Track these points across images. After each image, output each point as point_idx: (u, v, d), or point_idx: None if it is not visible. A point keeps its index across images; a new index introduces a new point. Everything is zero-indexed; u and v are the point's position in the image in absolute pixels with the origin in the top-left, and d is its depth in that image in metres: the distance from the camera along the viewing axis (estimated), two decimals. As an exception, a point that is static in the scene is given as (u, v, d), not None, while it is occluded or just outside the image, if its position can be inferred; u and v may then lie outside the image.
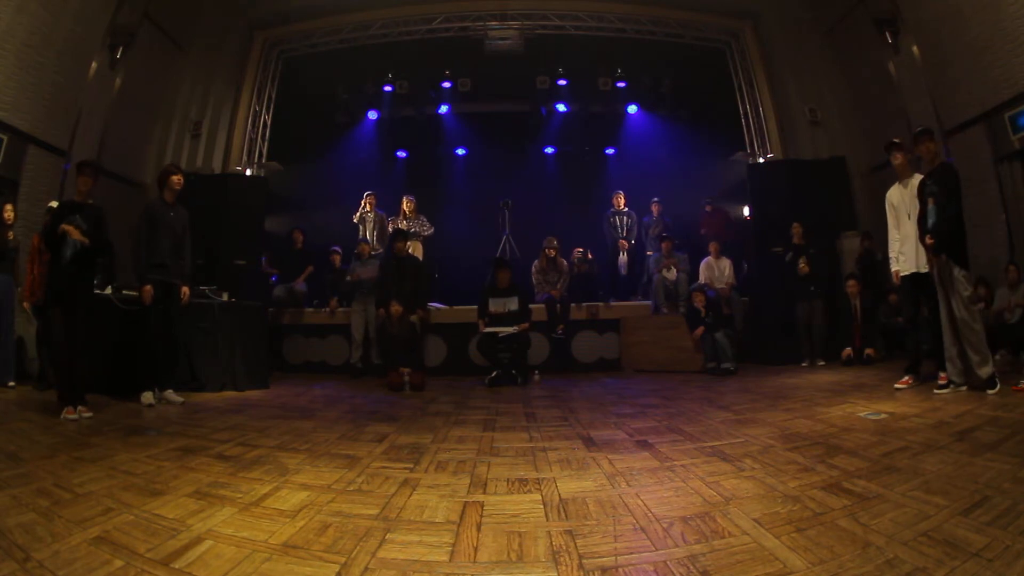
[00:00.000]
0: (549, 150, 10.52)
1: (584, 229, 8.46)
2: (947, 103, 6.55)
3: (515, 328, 5.91)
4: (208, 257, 6.66)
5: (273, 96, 8.89)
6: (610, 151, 10.51)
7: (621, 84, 9.66)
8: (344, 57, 8.96)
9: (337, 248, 7.79)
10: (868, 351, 6.19)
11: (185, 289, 4.55)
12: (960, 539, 1.40)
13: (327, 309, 7.36)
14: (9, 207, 5.29)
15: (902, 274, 4.24)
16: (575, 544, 1.49)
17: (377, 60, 9.24)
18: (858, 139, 8.16)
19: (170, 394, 4.35)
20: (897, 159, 4.27)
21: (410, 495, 1.95)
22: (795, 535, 1.48)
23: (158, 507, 1.81)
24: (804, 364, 6.51)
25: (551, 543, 1.50)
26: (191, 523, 1.67)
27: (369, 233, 7.78)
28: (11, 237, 5.23)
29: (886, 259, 4.56)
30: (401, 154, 10.43)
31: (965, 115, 6.30)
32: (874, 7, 7.13)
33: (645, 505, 1.78)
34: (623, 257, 8.15)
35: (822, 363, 6.44)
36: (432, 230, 7.85)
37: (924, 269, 4.04)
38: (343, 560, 1.42)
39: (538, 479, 2.13)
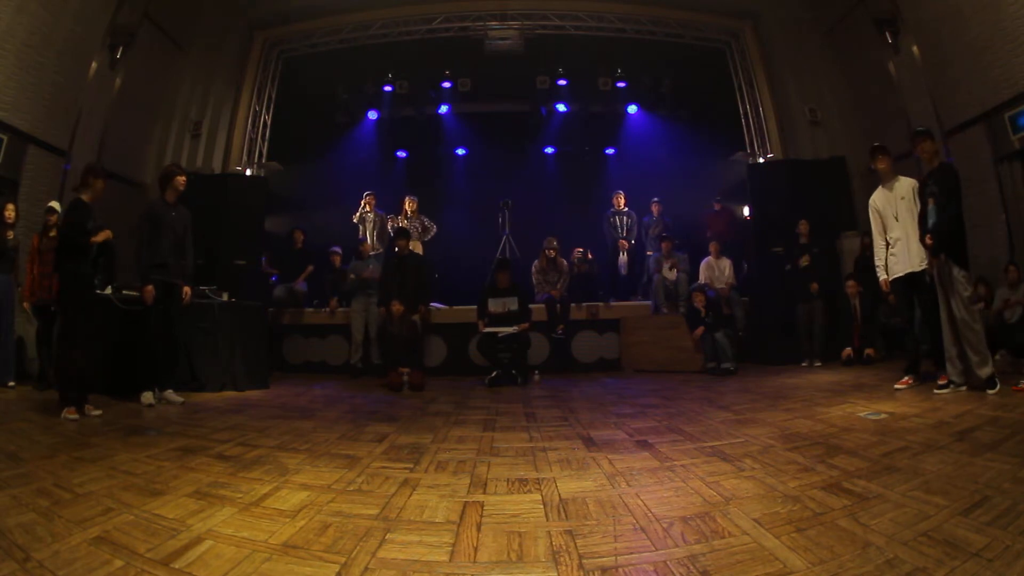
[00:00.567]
0: (549, 150, 10.52)
1: (584, 229, 8.46)
2: (947, 103, 6.55)
3: (515, 328, 5.92)
4: (208, 257, 6.66)
5: (273, 96, 8.89)
6: (610, 151, 10.50)
7: (621, 84, 9.66)
8: (344, 57, 8.96)
9: (337, 248, 7.79)
10: (868, 351, 6.19)
11: (187, 289, 4.55)
12: (960, 539, 1.40)
13: (327, 309, 7.36)
14: (11, 207, 5.29)
15: (895, 275, 4.22)
16: (575, 544, 1.49)
17: (377, 60, 9.23)
18: (858, 139, 8.14)
19: (170, 394, 4.35)
20: (882, 163, 4.26)
21: (410, 495, 1.95)
22: (795, 535, 1.48)
23: (158, 507, 1.81)
24: (804, 364, 6.51)
25: (551, 543, 1.50)
26: (191, 523, 1.67)
27: (369, 233, 7.77)
28: (11, 237, 5.23)
29: None
30: (401, 154, 10.43)
31: (965, 115, 6.30)
32: (874, 7, 7.13)
33: (645, 505, 1.78)
34: (623, 257, 8.15)
35: (819, 364, 6.44)
36: (435, 230, 7.84)
37: (919, 268, 4.03)
38: (343, 560, 1.42)
39: (538, 479, 2.13)
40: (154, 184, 6.79)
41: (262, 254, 7.97)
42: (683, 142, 9.42)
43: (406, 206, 7.78)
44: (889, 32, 7.06)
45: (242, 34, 8.74)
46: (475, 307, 6.24)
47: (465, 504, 1.84)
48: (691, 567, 1.34)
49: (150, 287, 4.28)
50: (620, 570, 1.34)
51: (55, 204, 5.39)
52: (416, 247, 7.42)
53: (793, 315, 6.78)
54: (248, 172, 8.51)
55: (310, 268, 7.75)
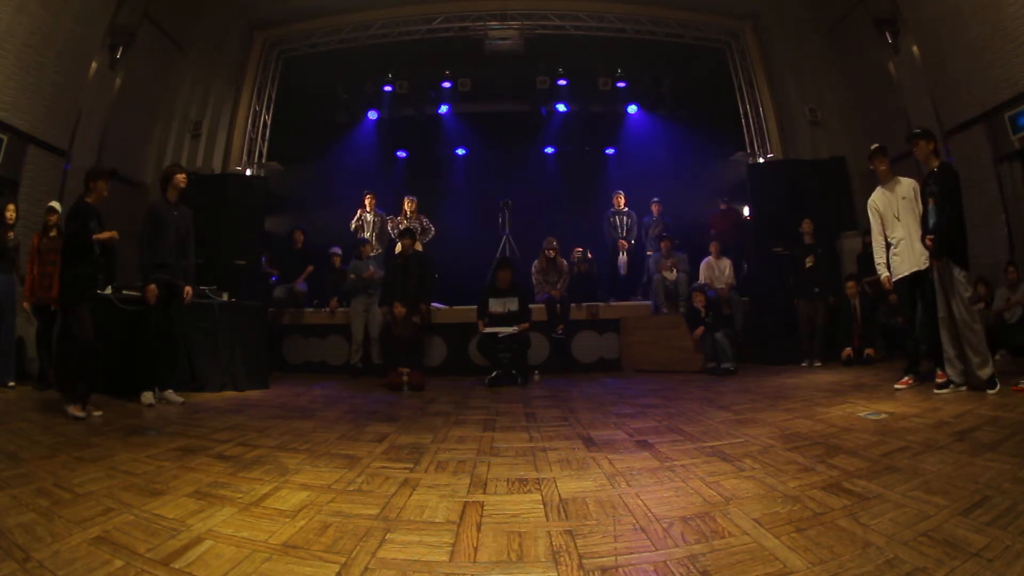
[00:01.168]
0: (549, 150, 10.52)
1: (584, 229, 8.46)
2: (947, 103, 6.55)
3: (515, 328, 5.92)
4: (208, 257, 6.66)
5: (273, 96, 8.89)
6: (610, 151, 10.51)
7: (621, 84, 9.66)
8: (344, 57, 8.96)
9: (337, 249, 7.79)
10: (868, 351, 6.19)
11: (188, 289, 4.55)
12: (960, 539, 1.40)
13: (327, 309, 7.36)
14: (11, 207, 5.29)
15: (900, 275, 4.22)
16: (575, 544, 1.49)
17: (377, 60, 9.23)
18: (858, 139, 8.14)
19: (170, 394, 4.35)
20: (882, 165, 4.26)
21: (410, 495, 1.95)
22: (795, 535, 1.48)
23: (158, 507, 1.82)
24: (804, 364, 6.51)
25: (551, 543, 1.50)
26: (191, 523, 1.67)
27: (369, 234, 7.77)
28: (11, 237, 5.23)
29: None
30: (401, 154, 10.43)
31: (965, 115, 6.30)
32: (874, 7, 7.12)
33: (645, 505, 1.78)
34: (623, 257, 8.15)
35: (819, 364, 6.43)
36: (433, 232, 7.85)
37: (924, 267, 4.03)
38: (343, 560, 1.42)
39: (538, 479, 2.13)
40: (155, 184, 6.80)
41: (262, 254, 7.97)
42: (683, 142, 9.43)
43: (406, 206, 7.78)
44: (889, 32, 7.06)
45: (242, 34, 8.74)
46: (475, 307, 6.24)
47: (465, 504, 1.84)
48: (691, 567, 1.34)
49: (152, 286, 4.29)
50: (620, 570, 1.34)
51: (55, 204, 5.39)
52: (416, 247, 7.42)
53: (793, 315, 6.77)
54: (248, 172, 8.51)
55: (310, 268, 7.75)
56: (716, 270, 7.42)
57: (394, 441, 2.92)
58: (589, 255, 7.65)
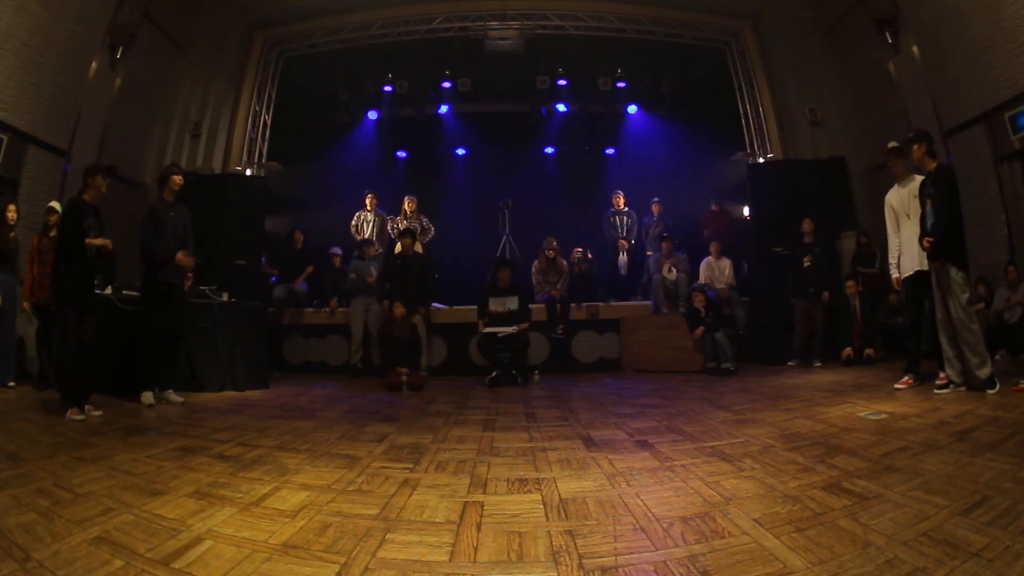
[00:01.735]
0: (549, 150, 10.51)
1: (584, 229, 8.46)
2: (947, 103, 6.55)
3: (515, 328, 5.91)
4: (208, 257, 6.66)
5: (273, 96, 8.88)
6: (610, 151, 10.50)
7: (621, 84, 9.66)
8: (344, 57, 8.96)
9: (337, 249, 7.79)
10: (868, 351, 6.19)
11: (189, 275, 4.55)
12: (960, 539, 1.40)
13: (327, 309, 7.37)
14: (12, 207, 5.29)
15: (905, 275, 4.23)
16: (575, 544, 1.49)
17: (377, 60, 9.23)
18: (858, 139, 8.15)
19: (170, 394, 4.35)
20: (899, 163, 4.26)
21: (410, 495, 1.95)
22: (795, 535, 1.48)
23: (158, 507, 1.82)
24: (791, 364, 6.49)
25: (551, 543, 1.50)
26: (191, 523, 1.67)
27: (370, 233, 7.77)
28: (12, 237, 5.23)
29: (884, 259, 4.55)
30: (401, 154, 10.43)
31: (965, 115, 6.30)
32: (874, 7, 7.12)
33: (645, 505, 1.78)
34: (623, 257, 8.15)
35: (818, 364, 6.42)
36: (433, 232, 7.85)
37: (925, 267, 4.04)
38: (343, 560, 1.42)
39: (538, 479, 2.13)
40: (154, 184, 6.80)
41: (262, 254, 7.97)
42: (683, 142, 9.42)
43: (406, 206, 7.78)
44: (889, 32, 7.06)
45: (242, 34, 8.74)
46: (475, 307, 6.24)
47: (465, 504, 1.84)
48: (691, 567, 1.34)
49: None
50: (620, 570, 1.34)
51: (55, 204, 5.38)
52: (415, 247, 7.42)
53: (791, 315, 6.76)
54: (248, 172, 8.51)
55: (310, 268, 7.76)
56: (716, 270, 7.42)
57: (394, 441, 2.92)
58: (589, 255, 7.65)
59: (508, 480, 2.13)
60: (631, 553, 1.43)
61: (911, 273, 4.16)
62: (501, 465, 2.36)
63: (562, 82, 9.65)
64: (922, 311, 4.18)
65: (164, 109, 8.36)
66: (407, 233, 6.54)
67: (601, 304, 7.43)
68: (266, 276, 7.88)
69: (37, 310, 5.18)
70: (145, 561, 1.41)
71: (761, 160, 8.52)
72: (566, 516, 1.71)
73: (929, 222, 3.91)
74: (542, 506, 1.81)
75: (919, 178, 4.21)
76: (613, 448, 2.63)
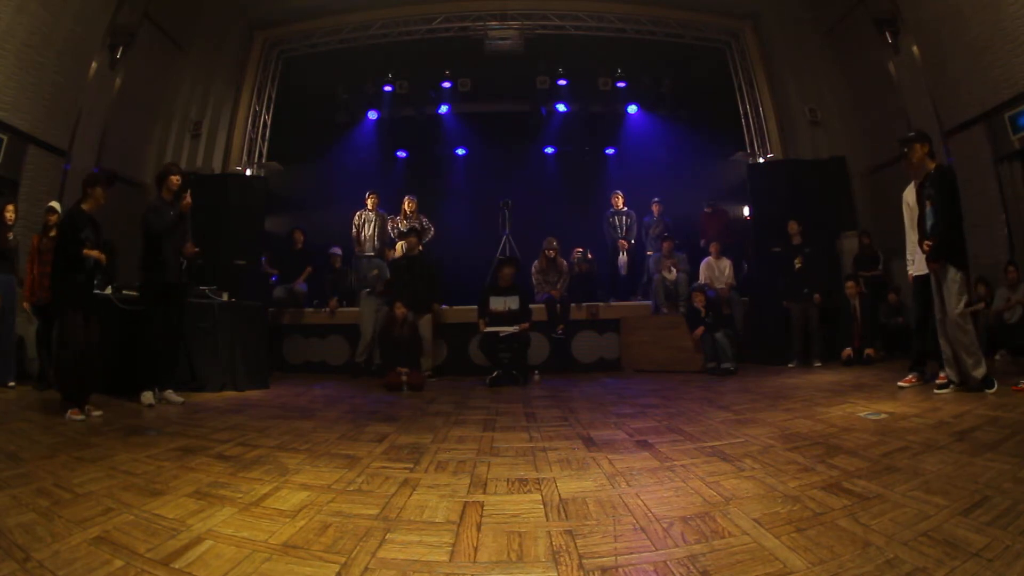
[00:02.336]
0: (549, 150, 10.51)
1: (584, 229, 8.46)
2: (947, 103, 6.55)
3: (516, 328, 5.91)
4: (208, 257, 6.66)
5: (273, 96, 8.88)
6: (610, 151, 10.50)
7: (621, 84, 9.65)
8: (344, 57, 8.96)
9: (337, 249, 7.80)
10: (868, 351, 6.19)
11: (192, 248, 4.53)
12: (960, 539, 1.40)
13: (327, 309, 7.36)
14: (11, 208, 5.29)
15: (915, 274, 4.21)
16: (575, 544, 1.49)
17: (377, 60, 9.23)
18: (858, 139, 8.16)
19: (170, 394, 4.35)
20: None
21: (410, 495, 1.95)
22: (795, 535, 1.48)
23: (158, 507, 1.81)
24: (790, 365, 6.48)
25: (551, 543, 1.50)
26: (191, 523, 1.67)
27: (370, 233, 7.77)
28: (11, 237, 5.23)
29: (887, 260, 4.51)
30: (401, 154, 10.43)
31: (965, 115, 6.30)
32: (874, 7, 7.13)
33: (645, 505, 1.78)
34: (623, 257, 8.15)
35: (819, 364, 6.42)
36: (432, 232, 7.85)
37: (927, 270, 4.02)
38: (343, 560, 1.42)
39: (538, 479, 2.13)
40: (154, 184, 6.80)
41: (262, 254, 7.97)
42: (683, 142, 9.42)
43: (405, 206, 7.78)
44: (889, 32, 7.06)
45: (242, 34, 8.74)
46: (475, 307, 6.23)
47: (465, 504, 1.84)
48: (691, 567, 1.34)
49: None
50: (620, 570, 1.34)
51: (55, 204, 5.39)
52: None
53: (787, 317, 6.75)
54: (248, 172, 8.50)
55: (310, 268, 7.75)
56: (716, 270, 7.42)
57: (394, 441, 2.92)
58: (589, 255, 7.64)
59: (508, 480, 2.13)
60: (631, 553, 1.43)
61: (923, 273, 4.13)
62: (501, 465, 2.36)
63: (562, 82, 9.65)
64: (930, 310, 4.15)
65: (164, 109, 8.36)
66: (412, 232, 6.52)
67: (601, 304, 7.43)
68: (266, 276, 7.88)
69: (37, 310, 5.18)
70: (145, 561, 1.41)
71: (761, 160, 8.52)
72: (566, 516, 1.71)
73: (929, 223, 3.90)
74: (542, 506, 1.81)
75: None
76: (613, 448, 2.63)
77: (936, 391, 3.81)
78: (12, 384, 5.03)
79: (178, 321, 4.57)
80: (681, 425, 3.15)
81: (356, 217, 7.73)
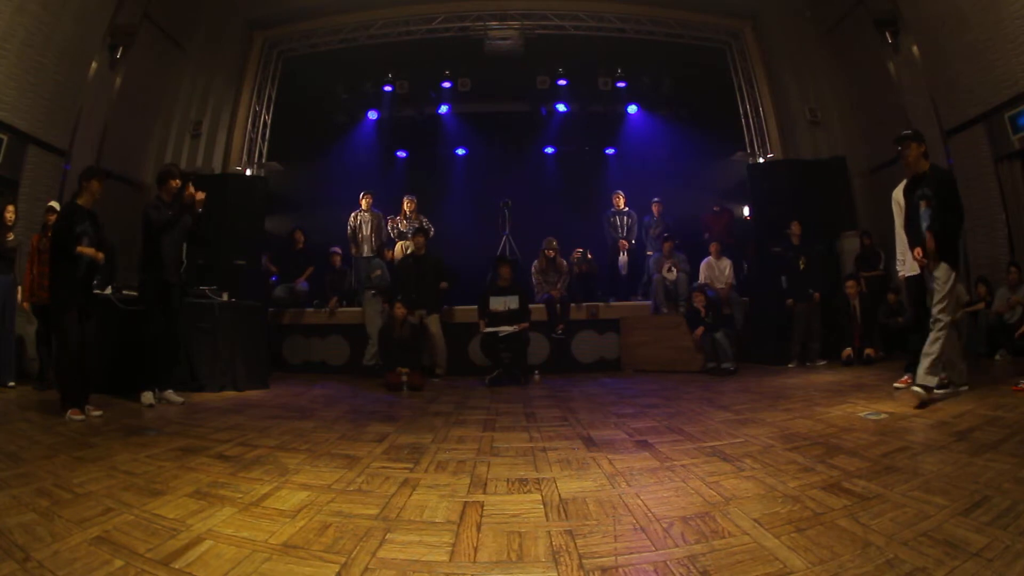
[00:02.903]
0: (549, 150, 10.51)
1: (584, 229, 8.45)
2: (947, 103, 6.55)
3: (515, 328, 5.91)
4: (208, 257, 6.65)
5: (273, 96, 8.87)
6: (610, 151, 10.50)
7: (621, 84, 9.64)
8: (344, 57, 8.95)
9: (337, 248, 7.79)
10: (868, 351, 6.19)
11: (193, 218, 4.49)
12: (960, 539, 1.40)
13: (327, 309, 7.36)
14: (11, 208, 5.29)
15: (907, 275, 4.19)
16: (575, 544, 1.49)
17: (377, 60, 9.22)
18: (858, 139, 8.16)
19: (170, 394, 4.35)
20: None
21: (410, 495, 1.95)
22: (795, 535, 1.48)
23: (158, 507, 1.82)
24: (791, 365, 6.47)
25: (551, 543, 1.50)
26: (191, 523, 1.67)
27: (367, 233, 7.76)
28: (11, 238, 5.23)
29: (888, 260, 4.45)
30: (401, 154, 10.42)
31: (965, 115, 6.30)
32: (874, 7, 7.13)
33: (645, 505, 1.78)
34: (623, 257, 8.14)
35: (823, 363, 6.41)
36: (432, 232, 7.84)
37: (918, 271, 3.99)
38: (343, 560, 1.42)
39: (538, 479, 2.13)
40: (154, 184, 6.80)
41: (263, 254, 7.96)
42: (683, 142, 9.42)
43: (405, 206, 7.78)
44: (889, 32, 7.06)
45: (242, 34, 8.74)
46: (475, 307, 6.23)
47: (465, 504, 1.84)
48: (691, 567, 1.34)
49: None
50: (620, 570, 1.34)
51: (55, 204, 5.38)
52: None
53: (790, 315, 6.74)
54: (248, 172, 8.50)
55: (310, 269, 7.75)
56: (716, 270, 7.42)
57: (394, 441, 2.92)
58: (589, 255, 7.64)
59: (508, 480, 2.13)
60: (631, 553, 1.43)
61: (916, 273, 4.11)
62: (501, 465, 2.36)
63: (562, 82, 9.64)
64: (925, 310, 4.13)
65: (164, 109, 8.36)
66: (420, 232, 6.51)
67: (601, 304, 7.42)
68: (266, 275, 7.88)
69: (37, 310, 5.18)
70: (145, 561, 1.41)
71: (761, 160, 8.52)
72: (566, 516, 1.71)
73: (923, 224, 3.83)
74: (542, 506, 1.81)
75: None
76: (613, 448, 2.63)
77: (936, 391, 3.79)
78: (12, 384, 5.03)
79: (178, 321, 4.56)
80: (681, 425, 3.15)
81: (352, 218, 7.72)
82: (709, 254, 7.50)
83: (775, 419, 3.20)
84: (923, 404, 3.33)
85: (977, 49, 5.91)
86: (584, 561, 1.39)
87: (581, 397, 4.72)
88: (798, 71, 8.55)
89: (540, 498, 1.89)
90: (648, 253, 8.23)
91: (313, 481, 2.14)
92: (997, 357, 5.85)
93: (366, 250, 7.56)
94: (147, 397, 4.19)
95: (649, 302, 7.56)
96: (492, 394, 5.10)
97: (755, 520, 1.60)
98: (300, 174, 9.74)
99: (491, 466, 2.34)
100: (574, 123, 10.15)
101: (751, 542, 1.46)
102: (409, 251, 6.87)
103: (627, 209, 8.25)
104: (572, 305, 7.09)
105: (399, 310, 5.68)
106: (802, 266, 6.70)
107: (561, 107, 10.00)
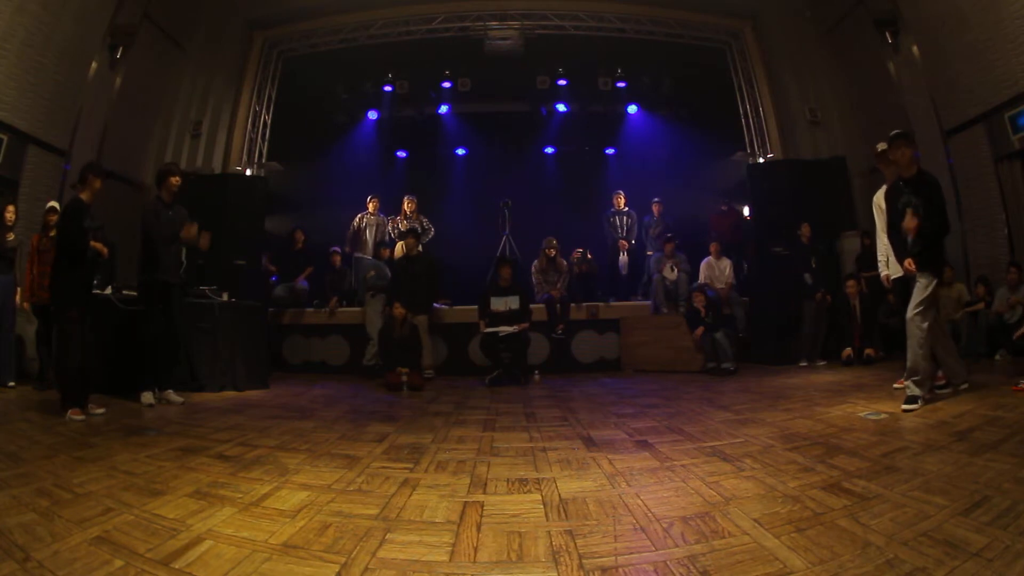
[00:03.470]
0: (549, 150, 10.52)
1: (584, 229, 8.46)
2: (947, 103, 6.55)
3: (515, 328, 5.91)
4: (208, 257, 6.65)
5: (273, 96, 8.88)
6: (610, 151, 10.50)
7: (621, 84, 9.65)
8: (344, 57, 8.96)
9: (337, 248, 7.79)
10: (868, 351, 6.19)
11: (195, 229, 4.54)
12: (960, 539, 1.40)
13: (327, 309, 7.36)
14: (11, 208, 5.29)
15: (893, 277, 4.19)
16: (575, 544, 1.49)
17: (377, 60, 9.22)
18: (858, 139, 8.14)
19: (170, 394, 4.35)
20: (892, 165, 4.08)
21: (410, 495, 1.95)
22: (795, 535, 1.48)
23: (158, 507, 1.82)
24: (803, 364, 6.48)
25: (551, 543, 1.50)
26: (191, 523, 1.67)
27: (371, 237, 7.77)
28: (11, 238, 5.23)
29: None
30: (401, 154, 10.43)
31: (965, 115, 6.30)
32: (874, 7, 7.13)
33: (645, 505, 1.78)
34: (623, 257, 8.15)
35: (823, 363, 6.42)
36: (432, 232, 7.85)
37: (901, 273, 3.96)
38: (343, 560, 1.42)
39: (538, 479, 2.13)
40: (154, 183, 6.81)
41: (263, 254, 7.96)
42: (683, 142, 9.42)
43: (405, 206, 7.78)
44: (889, 32, 7.06)
45: (242, 34, 8.74)
46: (475, 307, 6.23)
47: (465, 504, 1.84)
48: (691, 567, 1.34)
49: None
50: (620, 570, 1.34)
51: (55, 204, 5.38)
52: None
53: (796, 315, 6.73)
54: (248, 172, 8.50)
55: (310, 269, 7.75)
56: (716, 270, 7.42)
57: (394, 441, 2.92)
58: (589, 255, 7.64)
59: (508, 480, 2.13)
60: (631, 553, 1.43)
61: (900, 275, 4.10)
62: (501, 465, 2.36)
63: (562, 82, 9.65)
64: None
65: (164, 109, 8.36)
66: (410, 233, 6.51)
67: (601, 304, 7.43)
68: (266, 275, 7.88)
69: (37, 310, 5.19)
70: (145, 561, 1.41)
71: (761, 160, 8.52)
72: (566, 516, 1.71)
73: (909, 236, 3.75)
74: (542, 506, 1.81)
75: None
76: (613, 448, 2.63)
77: (936, 391, 3.79)
78: (12, 384, 5.03)
79: (177, 321, 4.56)
80: (681, 425, 3.15)
81: (357, 219, 7.74)
82: (709, 254, 7.50)
83: (775, 419, 3.20)
84: (910, 409, 3.28)
85: (977, 49, 5.91)
86: (584, 561, 1.39)
87: (581, 397, 4.72)
88: (798, 71, 8.55)
89: (540, 498, 1.89)
90: (648, 253, 8.23)
91: (313, 481, 2.14)
92: (997, 357, 5.85)
93: (366, 251, 7.57)
94: (147, 397, 4.19)
95: (649, 302, 7.56)
96: (492, 394, 5.10)
97: (755, 520, 1.60)
98: (300, 174, 9.74)
99: (491, 466, 2.34)
100: (574, 123, 10.15)
101: (751, 542, 1.46)
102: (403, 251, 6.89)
103: (627, 209, 8.25)
104: (572, 305, 7.09)
105: (398, 310, 5.68)
106: (814, 264, 6.72)
107: (561, 107, 10.01)
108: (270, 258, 8.08)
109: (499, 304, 6.02)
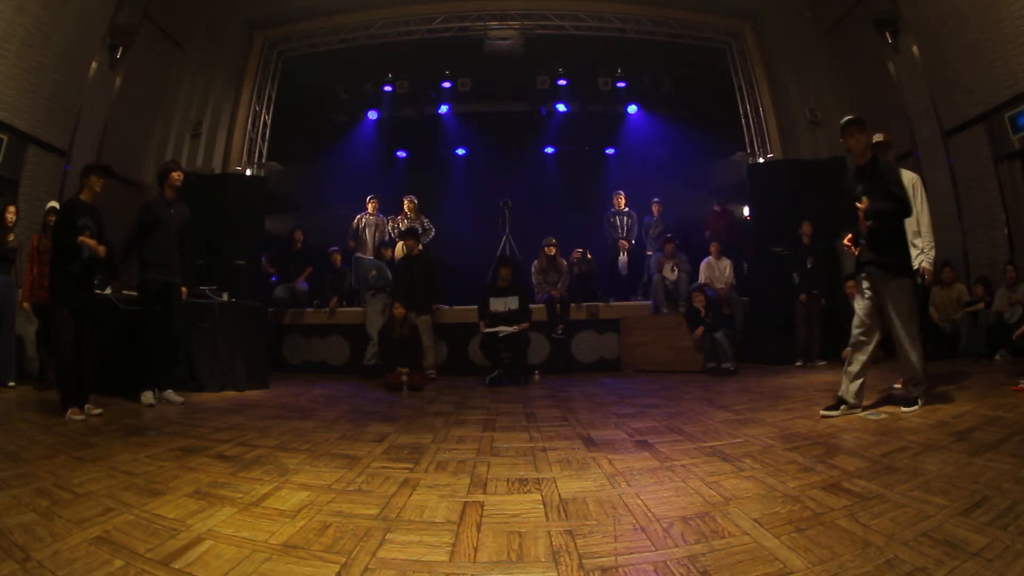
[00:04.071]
0: (549, 150, 10.51)
1: (584, 229, 8.46)
2: (947, 103, 6.55)
3: (515, 328, 5.91)
4: (208, 257, 6.66)
5: (273, 96, 8.88)
6: (610, 151, 10.50)
7: (621, 84, 9.65)
8: (344, 57, 8.96)
9: (337, 248, 7.79)
10: (868, 351, 6.17)
11: (183, 289, 4.54)
12: (960, 539, 1.40)
13: (327, 309, 7.36)
14: (11, 209, 5.29)
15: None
16: (575, 544, 1.49)
17: (377, 60, 9.22)
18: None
19: (170, 394, 4.35)
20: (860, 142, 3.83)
21: (410, 495, 1.95)
22: (795, 535, 1.48)
23: (158, 507, 1.82)
24: (798, 364, 6.47)
25: (551, 543, 1.50)
26: (191, 523, 1.67)
27: (371, 237, 7.77)
28: (11, 238, 5.23)
29: None
30: (401, 154, 10.43)
31: (965, 115, 6.30)
32: (874, 7, 7.13)
33: (645, 505, 1.78)
34: (623, 257, 8.15)
35: (823, 363, 6.41)
36: (433, 232, 7.85)
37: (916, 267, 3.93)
38: (343, 560, 1.42)
39: (538, 479, 2.13)
40: (154, 183, 6.80)
41: (262, 254, 7.97)
42: (683, 142, 9.42)
43: (405, 206, 7.78)
44: (889, 32, 7.07)
45: (242, 34, 8.74)
46: (475, 307, 6.23)
47: (465, 504, 1.84)
48: (691, 567, 1.34)
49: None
50: (620, 570, 1.34)
51: (55, 204, 5.38)
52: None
53: (793, 314, 6.74)
54: (248, 172, 8.50)
55: (310, 269, 7.76)
56: (716, 270, 7.41)
57: (394, 441, 2.92)
58: (589, 255, 7.64)
59: (508, 480, 2.13)
60: (631, 553, 1.43)
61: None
62: (501, 465, 2.36)
63: (562, 82, 9.65)
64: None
65: (164, 109, 8.37)
66: (409, 233, 6.51)
67: (601, 304, 7.42)
68: (266, 276, 7.88)
69: (37, 310, 5.18)
70: (145, 561, 1.41)
71: (761, 160, 8.52)
72: (566, 516, 1.71)
73: (869, 220, 3.61)
74: (542, 506, 1.81)
75: (906, 173, 4.02)
76: (613, 448, 2.63)
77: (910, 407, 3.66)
78: (12, 384, 5.03)
79: (176, 320, 4.56)
80: (681, 425, 3.15)
81: (356, 220, 7.75)
82: (709, 254, 7.50)
83: (775, 419, 3.20)
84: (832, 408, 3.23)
85: (977, 49, 5.91)
86: (584, 561, 1.39)
87: (581, 397, 4.72)
88: (798, 71, 8.54)
89: (540, 498, 1.89)
90: (648, 253, 8.23)
91: (313, 481, 2.14)
92: (997, 357, 5.85)
93: (366, 251, 7.56)
94: (147, 397, 4.19)
95: (649, 302, 7.56)
96: (492, 394, 5.10)
97: (755, 520, 1.60)
98: (300, 174, 9.75)
99: (491, 466, 2.34)
100: (574, 123, 10.15)
101: (751, 542, 1.46)
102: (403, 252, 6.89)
103: (627, 209, 8.25)
104: (572, 305, 7.08)
105: (399, 310, 5.68)
106: (810, 264, 6.71)
107: (561, 107, 10.00)
108: (270, 260, 8.08)
109: (499, 304, 6.02)
